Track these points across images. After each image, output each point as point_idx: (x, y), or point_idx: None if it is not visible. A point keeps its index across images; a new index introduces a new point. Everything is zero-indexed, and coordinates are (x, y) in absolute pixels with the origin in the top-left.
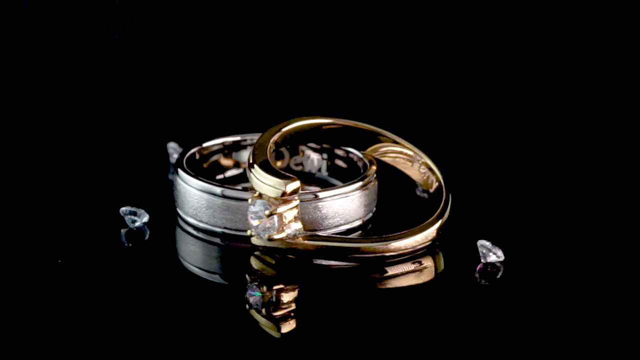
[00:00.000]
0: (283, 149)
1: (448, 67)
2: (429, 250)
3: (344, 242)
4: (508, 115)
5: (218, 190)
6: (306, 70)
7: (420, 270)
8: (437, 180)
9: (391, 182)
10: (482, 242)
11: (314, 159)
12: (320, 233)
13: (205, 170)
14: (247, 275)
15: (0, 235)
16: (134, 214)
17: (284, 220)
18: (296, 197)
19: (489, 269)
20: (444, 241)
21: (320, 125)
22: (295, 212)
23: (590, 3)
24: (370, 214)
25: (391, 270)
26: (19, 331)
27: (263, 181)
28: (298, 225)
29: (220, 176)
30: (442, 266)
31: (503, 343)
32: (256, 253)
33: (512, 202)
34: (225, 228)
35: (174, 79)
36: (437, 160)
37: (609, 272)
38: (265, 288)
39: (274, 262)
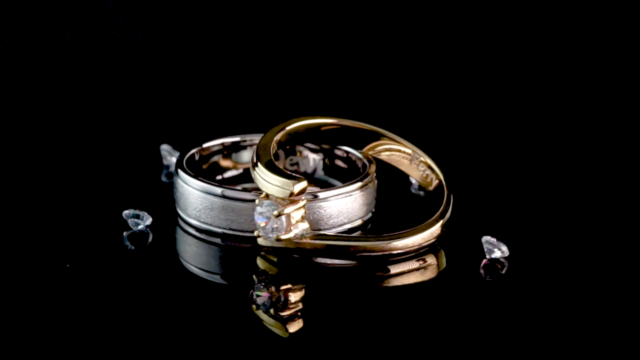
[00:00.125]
0: (279, 150)
1: (445, 65)
2: (431, 248)
3: (352, 241)
4: (505, 111)
5: (218, 190)
6: (304, 71)
7: (425, 268)
8: (437, 178)
9: (388, 181)
10: (486, 238)
11: (310, 159)
12: (326, 232)
13: (205, 170)
14: (254, 276)
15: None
16: (137, 216)
17: (291, 220)
18: (303, 197)
19: (497, 265)
20: (445, 239)
21: (322, 125)
22: (302, 212)
23: (590, 3)
24: (370, 214)
25: (396, 269)
26: (19, 331)
27: (270, 182)
28: (305, 225)
29: (220, 177)
30: (444, 264)
31: (510, 339)
32: (262, 253)
33: (512, 199)
34: (225, 228)
35: (172, 79)
36: (434, 158)
37: (612, 267)
38: (273, 288)
39: (279, 262)
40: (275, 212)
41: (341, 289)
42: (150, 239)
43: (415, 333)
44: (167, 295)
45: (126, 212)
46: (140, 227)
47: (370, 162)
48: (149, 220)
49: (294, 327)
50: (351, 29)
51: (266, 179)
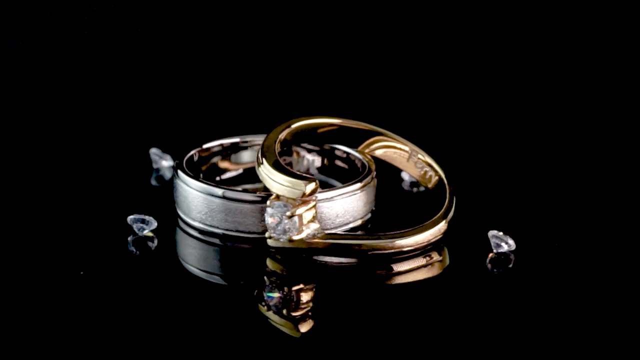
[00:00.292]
0: None
1: (441, 63)
2: (434, 245)
3: (363, 239)
4: (500, 105)
5: (219, 191)
6: (301, 71)
7: (432, 265)
8: (437, 175)
9: (381, 179)
10: (493, 233)
11: (305, 160)
12: (337, 232)
13: (204, 171)
14: (265, 277)
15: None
16: (143, 221)
17: (303, 220)
18: (314, 197)
19: (502, 257)
20: (448, 235)
21: (326, 124)
22: (313, 212)
23: (590, 3)
24: (369, 214)
25: (403, 266)
26: (19, 331)
27: (280, 182)
28: (316, 225)
29: (219, 177)
30: (447, 261)
31: (517, 333)
32: (273, 254)
33: (511, 193)
34: (226, 229)
35: (170, 79)
36: (430, 155)
37: (616, 259)
38: (286, 289)
39: (289, 263)
40: (288, 213)
41: (351, 288)
42: (155, 244)
43: (425, 329)
44: (167, 296)
45: (131, 217)
46: (145, 232)
47: (369, 161)
48: (154, 225)
49: (305, 327)
50: (349, 29)
51: (276, 180)
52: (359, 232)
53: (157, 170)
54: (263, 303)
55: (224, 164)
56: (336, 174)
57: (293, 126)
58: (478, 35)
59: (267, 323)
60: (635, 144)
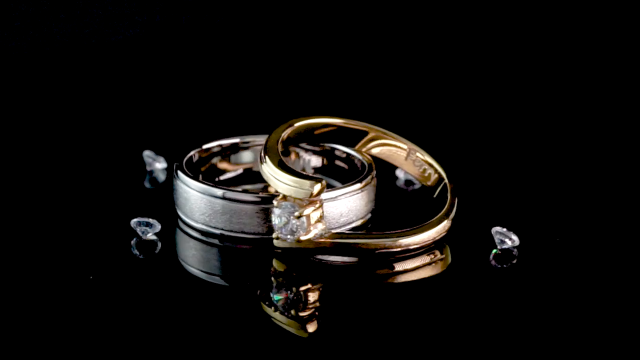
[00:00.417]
0: None
1: (439, 61)
2: (436, 243)
3: (371, 238)
4: (496, 103)
5: (219, 192)
6: (298, 71)
7: (436, 262)
8: (436, 173)
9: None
10: (497, 229)
11: (301, 160)
12: (343, 231)
13: (204, 172)
14: (272, 278)
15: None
16: (147, 224)
17: (310, 220)
18: (320, 197)
19: (506, 253)
20: (449, 233)
21: (326, 124)
22: (320, 212)
23: (590, 3)
24: (370, 214)
25: (408, 264)
26: (20, 332)
27: (287, 183)
28: (322, 225)
29: (218, 178)
30: (449, 259)
31: (522, 329)
32: (276, 254)
33: (510, 191)
34: (226, 230)
35: (169, 80)
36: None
37: (620, 253)
38: (294, 289)
39: (296, 263)
40: (297, 214)
41: (357, 287)
42: (159, 247)
43: (433, 326)
44: (168, 297)
45: (134, 220)
46: (149, 235)
47: (368, 160)
48: (158, 228)
49: (313, 326)
50: (347, 29)
51: (283, 180)
52: (363, 231)
53: (151, 172)
54: (268, 303)
55: (223, 165)
56: (335, 173)
57: (296, 125)
58: (475, 30)
59: (269, 323)
60: (636, 138)
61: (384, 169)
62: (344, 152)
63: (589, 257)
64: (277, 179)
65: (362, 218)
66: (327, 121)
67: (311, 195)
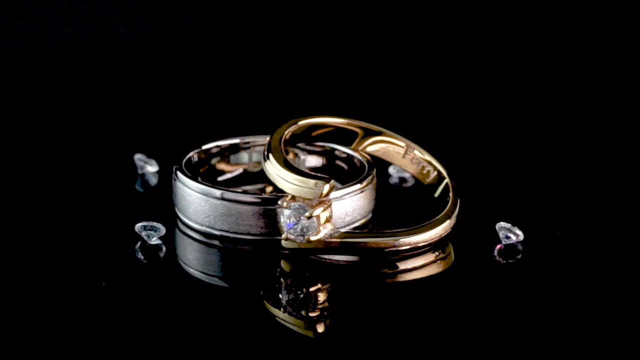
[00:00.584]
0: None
1: (437, 59)
2: (439, 241)
3: (381, 237)
4: (491, 99)
5: (218, 193)
6: (295, 71)
7: (441, 260)
8: (436, 170)
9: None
10: (501, 224)
11: (300, 160)
12: (352, 231)
13: (203, 173)
14: (281, 279)
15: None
16: (152, 228)
17: (320, 221)
18: (329, 197)
19: (510, 248)
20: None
21: (329, 124)
22: (328, 212)
23: (590, 3)
24: (370, 214)
25: (413, 262)
26: (20, 332)
27: (296, 184)
28: (331, 225)
29: (218, 179)
30: (453, 256)
31: (528, 324)
32: (284, 255)
33: (509, 188)
34: (225, 231)
35: (168, 81)
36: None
37: (623, 247)
38: (304, 289)
39: (304, 264)
40: (307, 214)
41: (363, 285)
42: (163, 252)
43: (442, 323)
44: (167, 298)
45: (139, 225)
46: (153, 239)
47: (367, 158)
48: (162, 231)
49: (322, 327)
50: (343, 28)
51: (290, 181)
52: (372, 230)
53: (142, 175)
54: (273, 303)
55: (223, 166)
56: (334, 173)
57: (300, 123)
58: (471, 26)
59: (270, 324)
60: (638, 132)
61: (377, 167)
62: (343, 152)
63: (592, 252)
64: (284, 179)
65: (365, 217)
66: (330, 120)
67: (321, 195)
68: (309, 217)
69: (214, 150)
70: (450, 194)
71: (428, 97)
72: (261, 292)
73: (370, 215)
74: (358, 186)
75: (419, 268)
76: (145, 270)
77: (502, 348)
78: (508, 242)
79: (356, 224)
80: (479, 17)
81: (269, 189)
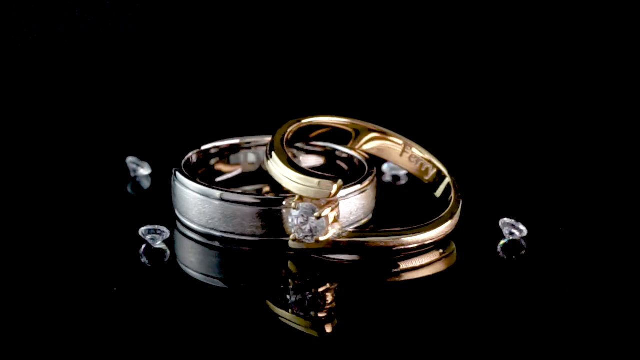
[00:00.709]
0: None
1: (435, 57)
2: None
3: (389, 235)
4: (490, 95)
5: (217, 193)
6: (292, 71)
7: (446, 257)
8: (435, 167)
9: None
10: (505, 220)
11: (300, 160)
12: (358, 230)
13: (202, 174)
14: (289, 280)
15: None
16: (156, 232)
17: (328, 221)
18: (337, 197)
19: (514, 244)
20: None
21: (332, 124)
22: (336, 212)
23: (590, 3)
24: (371, 214)
25: (420, 260)
26: (20, 332)
27: (304, 184)
28: (338, 225)
29: (217, 179)
30: (455, 253)
31: (534, 319)
32: (285, 255)
33: (507, 185)
34: (225, 232)
35: (166, 81)
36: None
37: (627, 241)
38: (313, 290)
39: (310, 264)
40: (317, 214)
41: (367, 285)
42: (167, 257)
43: (447, 321)
44: (167, 300)
45: (143, 229)
46: (158, 243)
47: (366, 157)
48: (167, 235)
49: (330, 327)
50: (340, 27)
51: (298, 182)
52: (367, 229)
53: (135, 178)
54: (278, 303)
55: (222, 166)
56: (334, 173)
57: (304, 121)
58: (469, 22)
59: (270, 325)
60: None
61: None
62: (342, 151)
63: (595, 247)
64: (292, 180)
65: (367, 216)
66: (333, 120)
67: (329, 195)
68: (319, 218)
69: (213, 151)
70: (452, 191)
71: (426, 93)
72: (264, 293)
73: (371, 214)
74: (361, 185)
75: (425, 266)
76: (144, 273)
77: (508, 345)
78: (512, 238)
79: (359, 224)
80: (475, 12)
81: (267, 189)
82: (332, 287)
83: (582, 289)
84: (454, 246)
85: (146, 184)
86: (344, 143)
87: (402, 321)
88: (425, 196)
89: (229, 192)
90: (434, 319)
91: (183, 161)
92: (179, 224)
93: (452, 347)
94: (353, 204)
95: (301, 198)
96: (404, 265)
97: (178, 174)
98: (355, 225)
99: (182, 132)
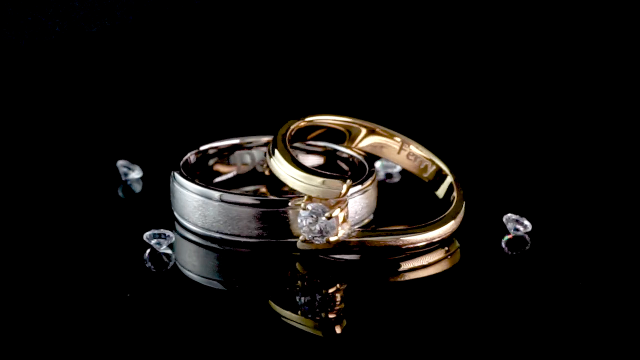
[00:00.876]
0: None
1: (434, 56)
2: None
3: (398, 234)
4: (488, 92)
5: (216, 194)
6: (290, 71)
7: (451, 256)
8: (434, 164)
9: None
10: (508, 216)
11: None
12: (368, 229)
13: (201, 174)
14: (298, 281)
15: None
16: (161, 236)
17: (338, 221)
18: (346, 197)
19: (518, 240)
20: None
21: (335, 123)
22: (345, 212)
23: (590, 3)
24: (372, 216)
25: (420, 261)
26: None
27: (314, 185)
28: (347, 225)
29: (216, 180)
30: (459, 250)
31: (541, 315)
32: (296, 255)
33: (505, 182)
34: (224, 233)
35: (164, 81)
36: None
37: (630, 236)
38: (323, 291)
39: (317, 265)
40: (327, 214)
41: (373, 284)
42: (173, 260)
43: (454, 318)
44: (166, 302)
45: (148, 233)
46: (162, 248)
47: (364, 156)
48: (172, 239)
49: (340, 328)
50: (337, 27)
51: (309, 183)
52: (370, 228)
53: (126, 181)
54: (284, 304)
55: (221, 167)
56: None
57: (307, 119)
58: (467, 19)
59: (270, 326)
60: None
61: None
62: (341, 151)
63: (599, 242)
64: (297, 179)
65: (369, 216)
66: (335, 118)
67: (339, 194)
68: (329, 218)
69: (211, 152)
70: (455, 189)
71: (424, 88)
72: (267, 294)
73: (372, 214)
74: (365, 184)
75: (431, 265)
76: (144, 275)
77: (514, 341)
78: (516, 233)
79: (362, 223)
80: (473, 10)
81: (263, 190)
82: (341, 287)
83: (588, 284)
84: (457, 244)
85: (137, 187)
86: (339, 142)
87: (410, 320)
88: (420, 193)
89: (229, 192)
90: (442, 317)
91: (181, 162)
92: (177, 225)
93: (459, 345)
94: (358, 204)
95: (310, 198)
96: (409, 264)
97: (177, 175)
98: (358, 225)
99: (172, 133)
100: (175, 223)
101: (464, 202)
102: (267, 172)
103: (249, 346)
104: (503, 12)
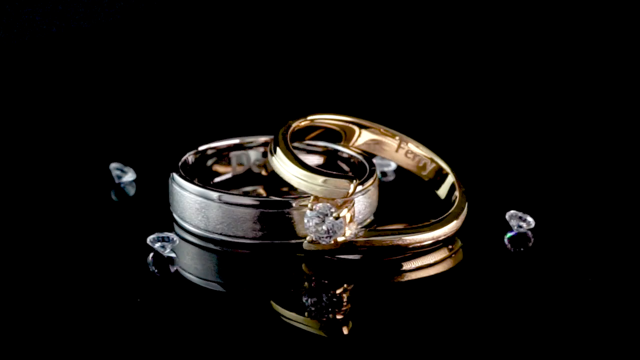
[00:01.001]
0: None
1: (432, 55)
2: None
3: (405, 233)
4: (487, 91)
5: (215, 195)
6: (289, 71)
7: (455, 255)
8: (433, 162)
9: None
10: (511, 212)
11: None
12: (375, 229)
13: (200, 175)
14: (305, 283)
15: None
16: (165, 239)
17: (345, 221)
18: (353, 197)
19: (521, 236)
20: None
21: (339, 122)
22: (352, 212)
23: (590, 3)
24: (373, 216)
25: (430, 258)
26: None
27: (323, 185)
28: (354, 225)
29: (214, 180)
30: (461, 249)
31: (545, 313)
32: (301, 256)
33: (504, 181)
34: (223, 234)
35: (163, 81)
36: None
37: (633, 232)
38: (329, 292)
39: (323, 265)
40: (335, 214)
41: (378, 284)
42: (175, 266)
43: (459, 317)
44: (165, 303)
45: (152, 236)
46: (166, 251)
47: (366, 159)
48: (176, 241)
49: (347, 329)
50: (335, 27)
51: (316, 183)
52: (373, 228)
53: (119, 184)
54: (290, 306)
55: (220, 167)
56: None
57: (309, 118)
58: (466, 18)
59: (270, 328)
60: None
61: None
62: (340, 150)
63: (602, 239)
64: (301, 179)
65: (371, 215)
66: (338, 118)
67: (346, 194)
68: (337, 218)
69: (210, 152)
70: (457, 188)
71: (424, 86)
72: (268, 295)
73: (373, 214)
74: (367, 184)
75: (435, 264)
76: (143, 276)
77: (519, 338)
78: (520, 230)
79: (364, 223)
80: (473, 9)
81: (260, 190)
82: (348, 288)
83: (591, 281)
84: (460, 242)
85: (131, 190)
86: (336, 140)
87: (415, 319)
88: (418, 192)
89: (228, 193)
90: (448, 316)
91: (180, 162)
92: (175, 226)
93: (465, 344)
94: (360, 204)
95: (317, 198)
96: (413, 263)
97: (176, 176)
98: (360, 226)
99: (166, 134)
100: (174, 225)
101: (465, 199)
102: (263, 173)
103: (252, 349)
104: (502, 11)
